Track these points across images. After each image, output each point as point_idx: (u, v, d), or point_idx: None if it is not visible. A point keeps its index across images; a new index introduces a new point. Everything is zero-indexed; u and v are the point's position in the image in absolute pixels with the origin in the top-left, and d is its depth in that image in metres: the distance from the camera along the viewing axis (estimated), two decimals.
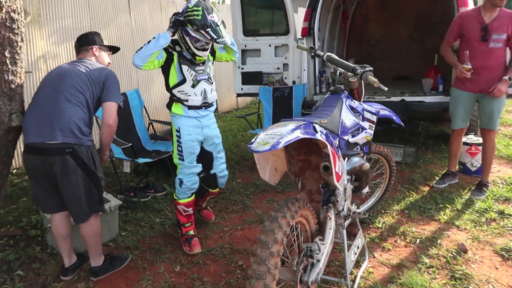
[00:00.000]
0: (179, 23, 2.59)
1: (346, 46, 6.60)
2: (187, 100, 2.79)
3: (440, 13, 5.93)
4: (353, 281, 2.43)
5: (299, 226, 2.00)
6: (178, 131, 2.84)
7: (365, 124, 2.49)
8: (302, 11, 5.58)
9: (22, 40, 2.22)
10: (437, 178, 3.95)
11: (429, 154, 4.83)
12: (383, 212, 3.39)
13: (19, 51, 2.21)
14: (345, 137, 2.27)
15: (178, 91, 2.77)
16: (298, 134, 1.76)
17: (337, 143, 2.17)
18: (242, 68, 5.26)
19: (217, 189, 3.22)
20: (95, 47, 2.62)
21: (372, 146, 2.76)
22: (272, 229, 1.71)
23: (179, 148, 2.83)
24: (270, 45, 5.09)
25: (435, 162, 4.58)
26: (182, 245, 2.94)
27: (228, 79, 7.45)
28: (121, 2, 5.47)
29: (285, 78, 5.09)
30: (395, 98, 4.50)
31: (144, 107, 4.22)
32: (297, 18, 5.86)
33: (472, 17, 3.40)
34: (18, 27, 2.17)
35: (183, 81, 2.76)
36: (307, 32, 4.89)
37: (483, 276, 2.46)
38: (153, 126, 4.33)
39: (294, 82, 5.03)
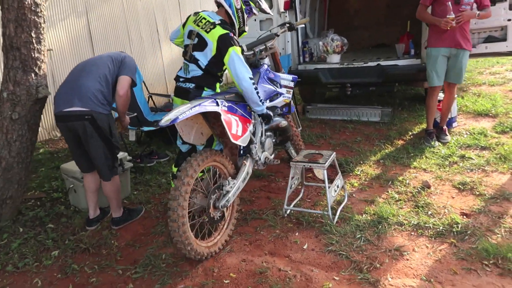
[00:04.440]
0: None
1: (327, 18, 6.96)
2: (222, 81, 2.95)
3: None
4: (335, 214, 2.92)
5: (217, 170, 2.67)
6: None
7: (283, 90, 3.14)
8: None
9: (44, 22, 2.58)
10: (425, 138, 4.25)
11: (405, 114, 5.31)
12: (361, 162, 3.88)
13: (42, 31, 2.58)
14: None
15: (225, 74, 2.91)
16: (197, 110, 2.31)
17: (250, 109, 2.79)
18: None
19: None
20: None
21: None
22: (185, 167, 2.36)
23: None
24: (255, 20, 5.44)
25: (410, 120, 5.06)
26: None
27: None
28: None
29: None
30: (372, 63, 4.92)
31: (144, 82, 4.59)
32: None
33: None
34: (41, 11, 2.53)
35: None
36: (289, 5, 5.25)
37: (441, 203, 2.98)
38: (152, 99, 4.71)
39: (279, 54, 5.41)
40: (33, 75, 2.60)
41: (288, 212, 3.03)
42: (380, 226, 2.73)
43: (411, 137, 4.47)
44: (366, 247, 2.53)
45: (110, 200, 3.01)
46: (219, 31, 2.65)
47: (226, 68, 2.78)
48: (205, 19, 2.75)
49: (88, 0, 5.36)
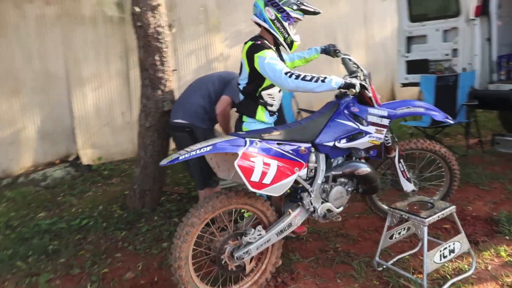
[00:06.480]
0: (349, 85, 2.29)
1: None
2: (272, 105, 2.55)
3: None
4: (441, 285, 2.24)
5: (254, 215, 2.36)
6: None
7: (370, 129, 2.51)
8: None
9: (167, 47, 3.03)
10: None
11: None
12: None
13: (165, 55, 3.03)
14: (329, 143, 2.43)
15: (268, 94, 2.50)
16: (204, 151, 2.03)
17: (305, 150, 2.34)
18: (407, 57, 5.01)
19: None
20: None
21: (413, 142, 2.88)
22: (207, 201, 2.15)
23: None
24: (437, 30, 4.67)
25: None
26: None
27: (386, 68, 7.03)
28: None
29: (455, 65, 4.58)
30: None
31: (294, 97, 4.64)
32: None
33: None
34: (163, 38, 2.97)
35: None
36: (481, 11, 4.24)
37: None
38: (301, 115, 4.71)
39: (464, 70, 4.47)
40: (159, 91, 3.08)
41: (383, 267, 2.51)
42: None
43: None
44: None
45: None
46: (247, 46, 2.44)
47: (264, 87, 2.47)
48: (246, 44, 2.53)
49: None
